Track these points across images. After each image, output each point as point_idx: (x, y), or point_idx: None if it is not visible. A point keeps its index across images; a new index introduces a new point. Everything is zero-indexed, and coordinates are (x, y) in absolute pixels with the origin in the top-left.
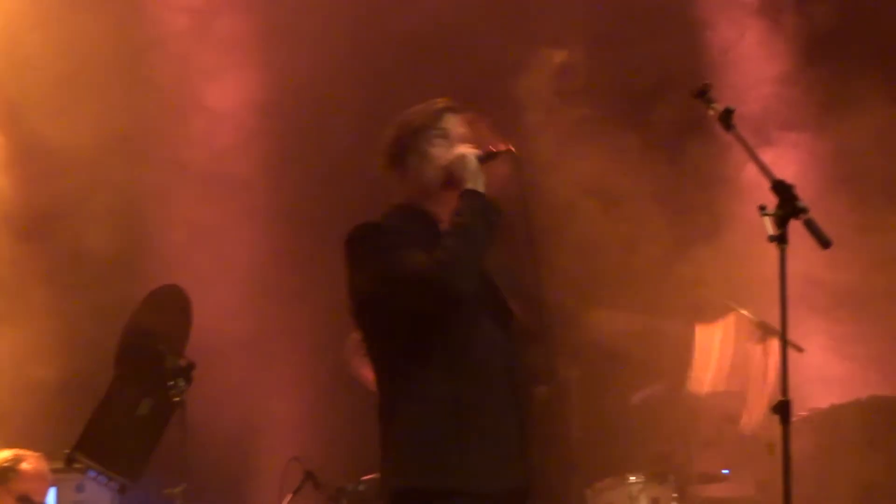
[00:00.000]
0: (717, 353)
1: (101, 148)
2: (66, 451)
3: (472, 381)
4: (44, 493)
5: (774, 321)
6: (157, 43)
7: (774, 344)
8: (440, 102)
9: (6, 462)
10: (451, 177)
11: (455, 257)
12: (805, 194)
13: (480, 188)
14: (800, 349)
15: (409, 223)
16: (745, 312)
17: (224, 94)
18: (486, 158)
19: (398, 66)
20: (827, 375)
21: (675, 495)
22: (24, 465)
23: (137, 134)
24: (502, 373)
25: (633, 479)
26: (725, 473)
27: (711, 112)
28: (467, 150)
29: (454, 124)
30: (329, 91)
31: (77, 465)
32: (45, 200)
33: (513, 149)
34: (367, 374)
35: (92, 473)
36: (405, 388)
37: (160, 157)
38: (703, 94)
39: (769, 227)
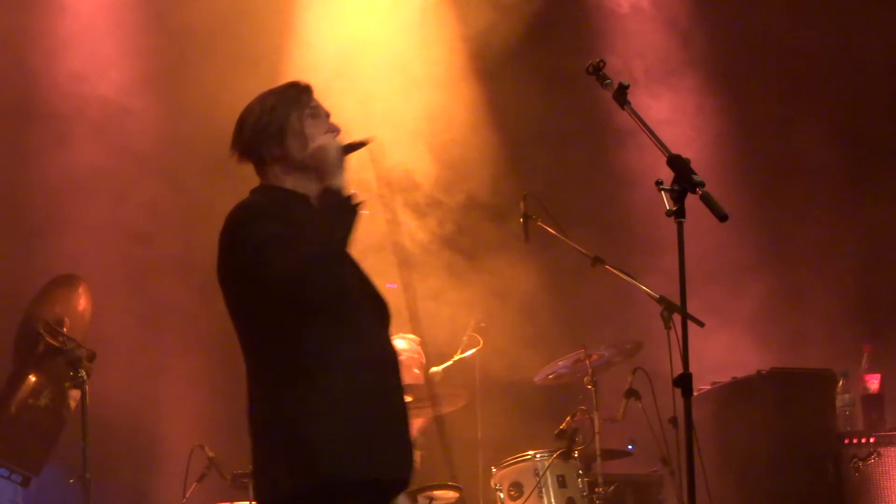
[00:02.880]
0: None
1: None
2: None
3: (367, 369)
4: None
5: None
6: None
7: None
8: (299, 82)
9: None
10: (313, 169)
11: (310, 265)
12: None
13: (339, 183)
14: (700, 323)
15: (284, 204)
16: (645, 288)
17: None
18: (349, 149)
19: None
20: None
21: (580, 472)
22: None
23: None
24: (388, 360)
25: (538, 456)
26: (631, 449)
27: (606, 88)
28: (328, 141)
29: (318, 101)
30: None
31: None
32: None
33: (373, 138)
34: None
35: None
36: (297, 382)
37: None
38: (597, 71)
39: (667, 201)
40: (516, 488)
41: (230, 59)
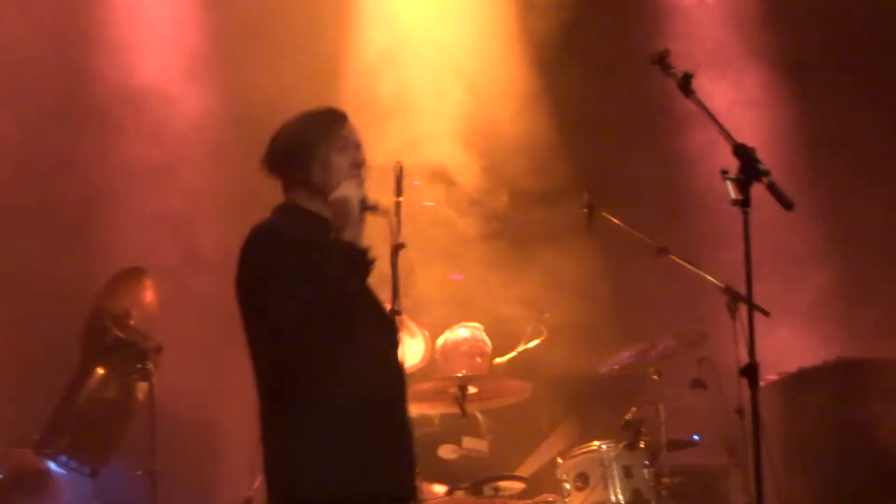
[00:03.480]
0: None
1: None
2: (35, 437)
3: (364, 385)
4: None
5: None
6: None
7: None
8: (336, 111)
9: (34, 473)
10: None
11: (311, 310)
12: None
13: (356, 236)
14: (766, 313)
15: (305, 226)
16: (710, 278)
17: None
18: (370, 209)
19: None
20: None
21: (646, 462)
22: (52, 480)
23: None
24: (388, 374)
25: (604, 447)
26: (696, 439)
27: (670, 77)
28: (351, 192)
29: (350, 132)
30: None
31: (47, 451)
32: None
33: (386, 207)
34: None
35: (62, 458)
36: (302, 397)
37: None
38: (661, 60)
39: (732, 191)
40: (582, 479)
41: (284, 50)
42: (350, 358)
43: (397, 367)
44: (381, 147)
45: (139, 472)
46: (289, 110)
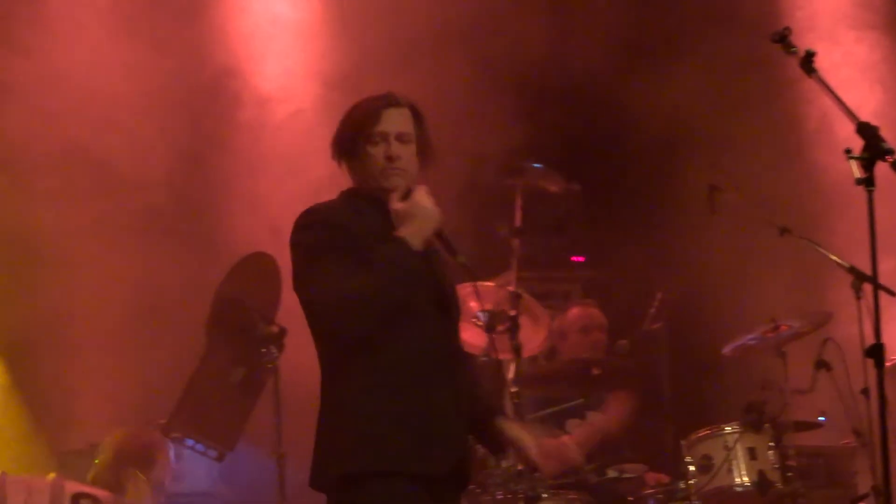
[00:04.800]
0: None
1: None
2: (162, 421)
3: (409, 363)
4: (168, 482)
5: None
6: None
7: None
8: (380, 99)
9: (151, 448)
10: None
11: (346, 304)
12: None
13: (415, 241)
14: (893, 293)
15: (362, 208)
16: (834, 257)
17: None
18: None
19: None
20: None
21: (771, 444)
22: (163, 455)
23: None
24: (438, 353)
25: (728, 429)
26: (822, 421)
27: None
28: (423, 207)
29: (392, 123)
30: None
31: (174, 435)
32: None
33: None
34: (468, 337)
35: (189, 442)
36: (340, 373)
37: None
38: (783, 39)
39: (856, 170)
40: (706, 461)
41: None
42: (390, 343)
43: (445, 350)
44: None
45: (266, 456)
46: None
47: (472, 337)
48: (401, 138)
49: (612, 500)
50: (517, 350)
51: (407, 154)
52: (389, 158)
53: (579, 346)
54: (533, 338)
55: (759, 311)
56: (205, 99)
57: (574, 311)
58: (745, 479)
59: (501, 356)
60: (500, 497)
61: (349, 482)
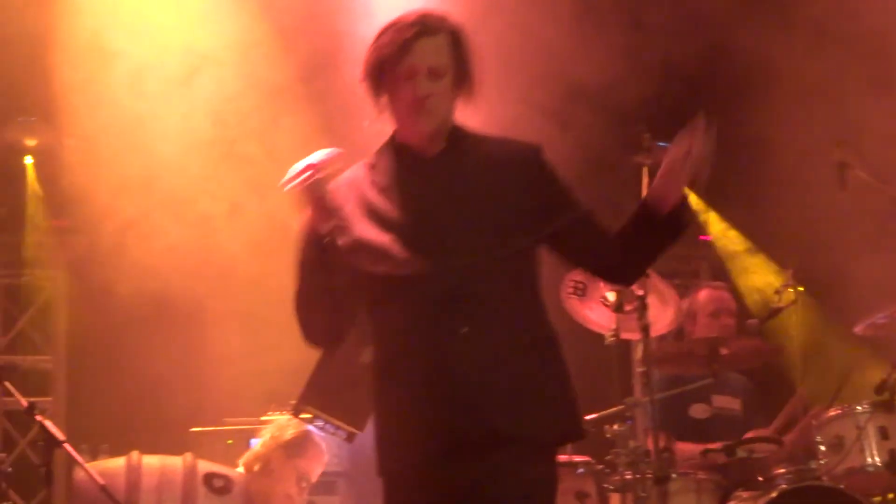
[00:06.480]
0: None
1: None
2: (293, 401)
3: (388, 346)
4: (316, 476)
5: None
6: None
7: None
8: (411, 26)
9: (306, 440)
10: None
11: (296, 312)
12: None
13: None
14: None
15: (391, 164)
16: None
17: None
18: None
19: None
20: None
21: None
22: (314, 445)
23: None
24: (420, 331)
25: (859, 408)
26: None
27: None
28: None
29: (424, 56)
30: None
31: (304, 416)
32: None
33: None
34: (583, 313)
35: (319, 423)
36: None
37: None
38: None
39: None
40: (837, 440)
41: None
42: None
43: (428, 320)
44: None
45: None
46: None
47: (599, 317)
48: (432, 73)
49: (742, 479)
50: (645, 329)
51: (438, 90)
52: (416, 99)
53: (708, 330)
54: (661, 317)
55: (891, 290)
56: None
57: (704, 293)
58: (877, 458)
59: (630, 336)
60: (628, 477)
61: None
